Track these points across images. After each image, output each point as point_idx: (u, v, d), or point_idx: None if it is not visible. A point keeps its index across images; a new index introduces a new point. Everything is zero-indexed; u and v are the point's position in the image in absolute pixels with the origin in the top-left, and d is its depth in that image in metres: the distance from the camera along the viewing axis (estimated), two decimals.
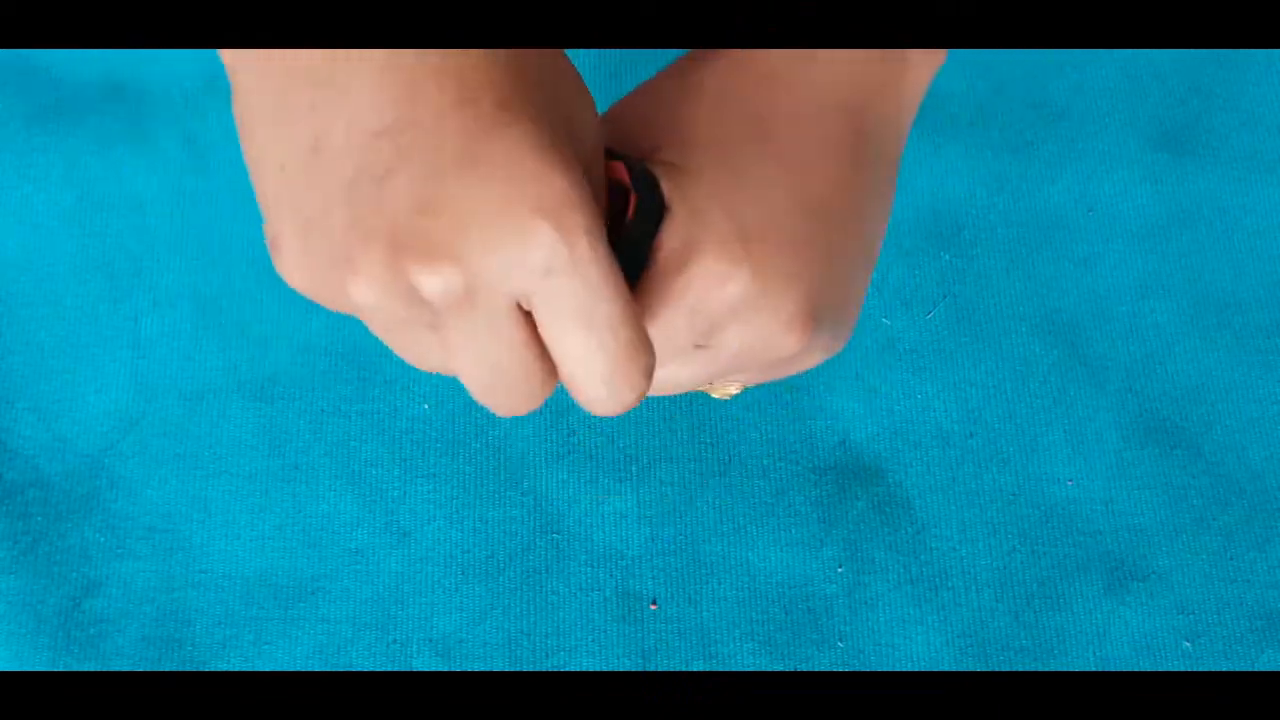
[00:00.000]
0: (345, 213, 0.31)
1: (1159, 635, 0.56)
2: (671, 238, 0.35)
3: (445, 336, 0.32)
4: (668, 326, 0.36)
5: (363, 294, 0.31)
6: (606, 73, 0.67)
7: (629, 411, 0.60)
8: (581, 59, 0.67)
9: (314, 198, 0.31)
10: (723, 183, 0.36)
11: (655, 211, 0.35)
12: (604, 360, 0.32)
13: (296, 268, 0.32)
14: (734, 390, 0.42)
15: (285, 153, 0.32)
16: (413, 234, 0.29)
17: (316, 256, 0.32)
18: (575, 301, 0.31)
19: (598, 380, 0.32)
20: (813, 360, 0.39)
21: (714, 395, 0.42)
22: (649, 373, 0.33)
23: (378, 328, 0.33)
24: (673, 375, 0.38)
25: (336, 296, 0.32)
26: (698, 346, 0.37)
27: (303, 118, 0.32)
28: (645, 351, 0.33)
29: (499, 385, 0.33)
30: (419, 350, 0.33)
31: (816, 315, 0.37)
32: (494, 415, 0.61)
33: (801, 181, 0.37)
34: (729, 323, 0.36)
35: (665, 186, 0.35)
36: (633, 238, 0.35)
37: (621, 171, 0.35)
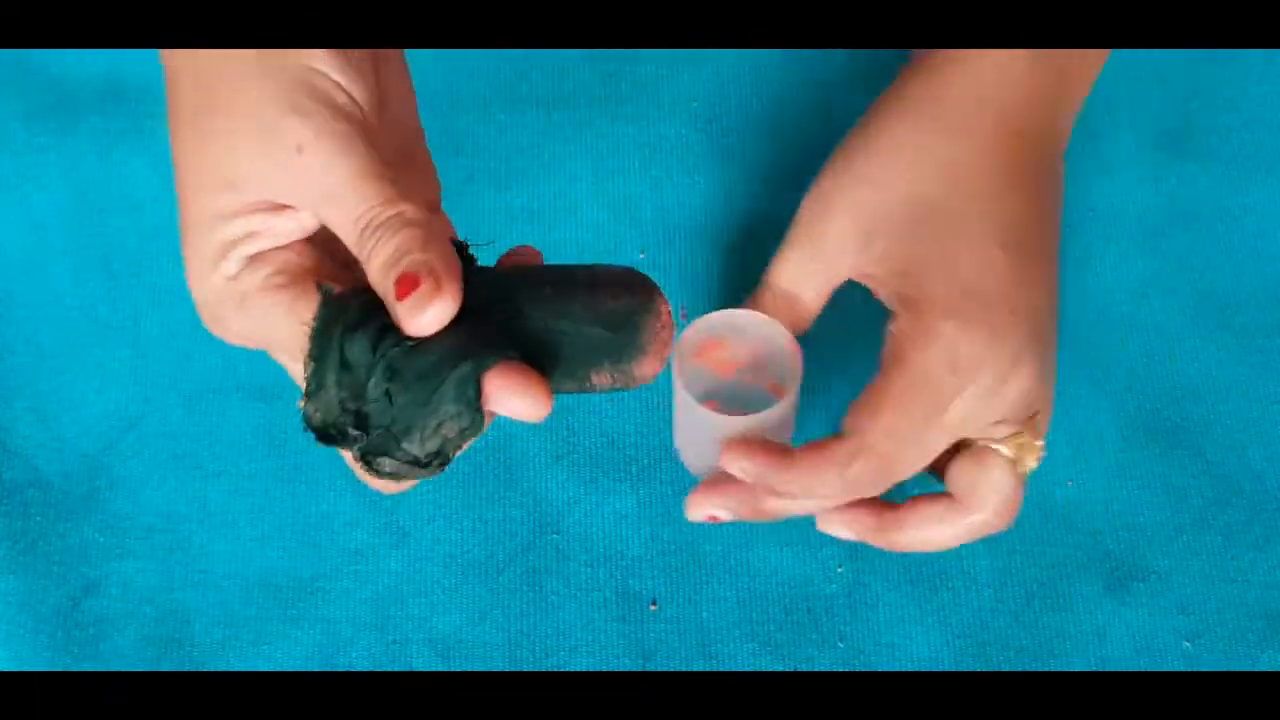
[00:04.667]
0: None
1: (1159, 635, 0.56)
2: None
3: None
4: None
5: None
6: (604, 73, 0.67)
7: (629, 412, 0.60)
8: (582, 59, 0.67)
9: None
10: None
11: None
12: None
13: None
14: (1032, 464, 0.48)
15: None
16: None
17: None
18: None
19: None
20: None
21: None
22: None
23: None
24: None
25: None
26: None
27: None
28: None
29: None
30: None
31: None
32: (494, 415, 0.61)
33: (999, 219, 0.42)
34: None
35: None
36: None
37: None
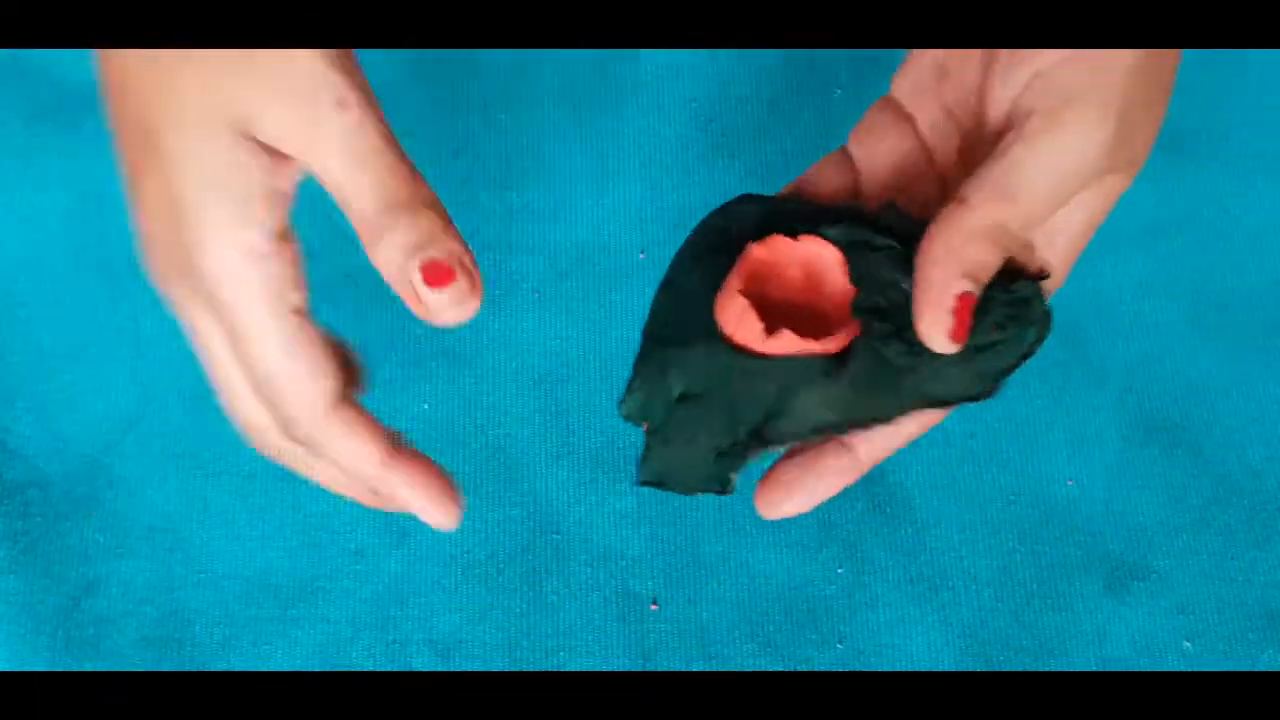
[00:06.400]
0: None
1: (1159, 635, 0.56)
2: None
3: None
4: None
5: None
6: (604, 73, 0.67)
7: None
8: (582, 59, 0.67)
9: None
10: None
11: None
12: None
13: None
14: None
15: None
16: None
17: None
18: None
19: None
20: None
21: None
22: None
23: None
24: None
25: None
26: None
27: None
28: None
29: None
30: None
31: None
32: (494, 415, 0.61)
33: None
34: None
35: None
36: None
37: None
